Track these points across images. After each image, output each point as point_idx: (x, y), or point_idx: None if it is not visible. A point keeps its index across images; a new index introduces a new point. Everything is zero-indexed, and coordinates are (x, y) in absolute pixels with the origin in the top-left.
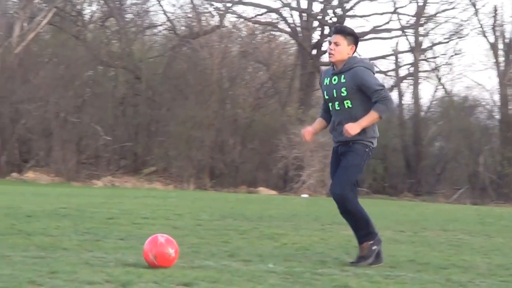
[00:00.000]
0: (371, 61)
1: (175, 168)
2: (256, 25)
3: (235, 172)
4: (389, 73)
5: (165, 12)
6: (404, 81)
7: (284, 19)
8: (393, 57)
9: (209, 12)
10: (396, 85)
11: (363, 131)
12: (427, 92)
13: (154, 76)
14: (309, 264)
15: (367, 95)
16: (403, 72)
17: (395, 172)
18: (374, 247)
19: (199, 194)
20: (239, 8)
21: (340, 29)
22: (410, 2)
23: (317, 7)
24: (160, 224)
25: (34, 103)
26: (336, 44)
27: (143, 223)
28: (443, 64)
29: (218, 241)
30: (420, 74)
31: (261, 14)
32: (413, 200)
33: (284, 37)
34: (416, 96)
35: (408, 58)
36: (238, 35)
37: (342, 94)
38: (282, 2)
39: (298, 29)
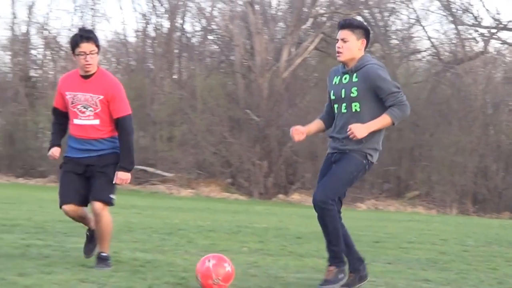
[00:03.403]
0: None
1: (437, 193)
2: None
3: (498, 198)
4: None
5: (429, 38)
6: None
7: None
8: None
9: (473, 38)
10: None
11: (365, 139)
12: None
13: (418, 101)
14: None
15: (378, 99)
16: None
17: None
18: (341, 276)
19: (462, 219)
20: (503, 34)
21: (345, 23)
22: None
23: None
24: (426, 249)
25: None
26: (343, 40)
27: (409, 248)
28: None
29: (485, 268)
30: None
31: None
32: None
33: None
34: None
35: None
36: (502, 61)
37: (352, 95)
38: None
39: None
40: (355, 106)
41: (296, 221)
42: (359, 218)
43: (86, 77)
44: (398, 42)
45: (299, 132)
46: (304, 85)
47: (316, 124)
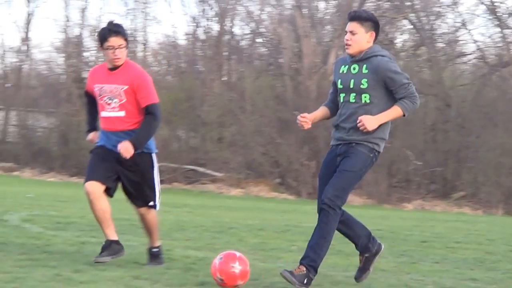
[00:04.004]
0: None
1: (483, 194)
2: None
3: None
4: None
5: (475, 41)
6: None
7: None
8: None
9: None
10: None
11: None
12: None
13: (464, 103)
14: None
15: (388, 91)
16: None
17: None
18: (305, 282)
19: (508, 220)
20: None
21: (354, 15)
22: None
23: None
24: (472, 249)
25: None
26: (352, 33)
27: (456, 247)
28: None
29: None
30: None
31: None
32: None
33: None
34: None
35: None
36: None
37: (362, 87)
38: None
39: None
40: (365, 97)
41: None
42: (406, 218)
43: (112, 69)
44: (444, 45)
45: (305, 120)
46: None
47: (322, 111)
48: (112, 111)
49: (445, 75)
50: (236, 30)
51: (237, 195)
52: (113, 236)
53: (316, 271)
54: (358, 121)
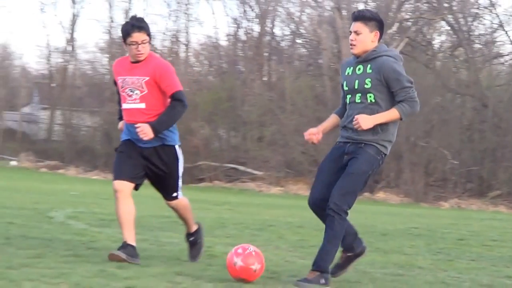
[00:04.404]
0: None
1: None
2: None
3: None
4: None
5: (511, 42)
6: None
7: None
8: None
9: None
10: None
11: (381, 129)
12: None
13: (500, 103)
14: None
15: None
16: None
17: None
18: (322, 282)
19: None
20: None
21: (358, 15)
22: None
23: None
24: (509, 247)
25: None
26: (356, 33)
27: (492, 245)
28: None
29: None
30: None
31: None
32: None
33: None
34: None
35: None
36: None
37: (366, 86)
38: None
39: None
40: (370, 97)
41: (382, 218)
42: (442, 216)
43: (135, 61)
44: (481, 46)
45: (313, 135)
46: None
47: (332, 120)
48: (133, 103)
49: (482, 75)
50: (277, 31)
51: (277, 193)
52: (132, 241)
53: (328, 272)
54: (354, 119)
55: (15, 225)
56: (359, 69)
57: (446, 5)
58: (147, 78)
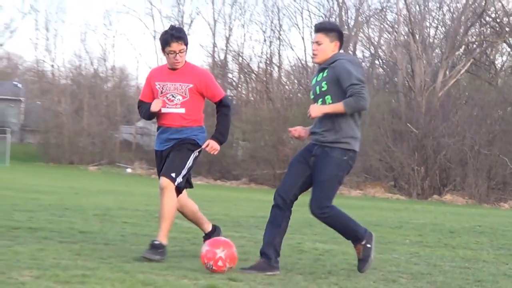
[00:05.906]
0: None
1: None
2: None
3: None
4: None
5: None
6: None
7: None
8: None
9: None
10: None
11: (339, 128)
12: None
13: None
14: None
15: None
16: None
17: None
18: (369, 245)
19: None
20: None
21: (320, 27)
22: None
23: None
24: None
25: (453, 137)
26: (318, 43)
27: None
28: None
29: None
30: None
31: None
32: None
33: None
34: None
35: None
36: None
37: (323, 89)
38: None
39: None
40: (328, 99)
41: (449, 217)
42: (503, 216)
43: (173, 69)
44: None
45: (294, 130)
46: (457, 102)
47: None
48: (173, 108)
49: None
50: (358, 53)
51: (356, 196)
52: (163, 240)
53: (364, 238)
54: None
55: (129, 224)
56: (319, 76)
57: (507, 29)
58: (191, 85)
